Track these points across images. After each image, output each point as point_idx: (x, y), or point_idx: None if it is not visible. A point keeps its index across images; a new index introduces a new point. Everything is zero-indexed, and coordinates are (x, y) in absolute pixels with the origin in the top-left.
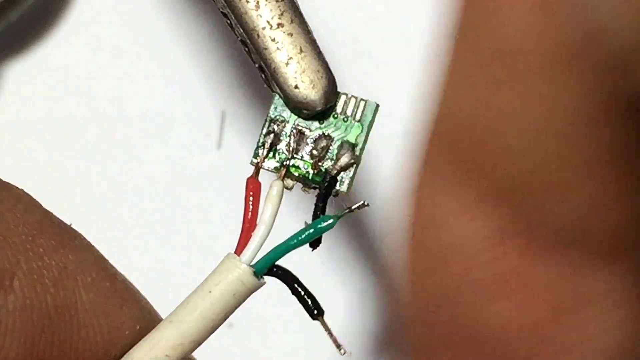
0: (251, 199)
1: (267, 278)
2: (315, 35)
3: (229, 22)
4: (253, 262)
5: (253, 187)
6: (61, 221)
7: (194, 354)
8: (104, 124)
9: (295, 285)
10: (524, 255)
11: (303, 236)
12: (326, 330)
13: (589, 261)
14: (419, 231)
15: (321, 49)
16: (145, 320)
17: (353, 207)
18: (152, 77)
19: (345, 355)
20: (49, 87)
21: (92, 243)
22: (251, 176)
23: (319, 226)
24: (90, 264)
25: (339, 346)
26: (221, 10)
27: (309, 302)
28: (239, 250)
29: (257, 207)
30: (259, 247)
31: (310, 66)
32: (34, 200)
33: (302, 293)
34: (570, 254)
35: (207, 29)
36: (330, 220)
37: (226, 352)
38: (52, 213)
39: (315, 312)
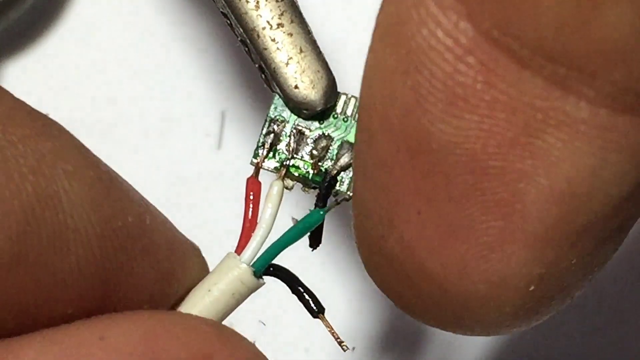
0: (251, 198)
1: (268, 279)
2: (316, 35)
3: (229, 22)
4: (252, 262)
5: (253, 187)
6: (35, 110)
7: None
8: (104, 123)
9: (295, 284)
10: (489, 70)
11: (294, 232)
12: (327, 328)
13: (560, 84)
14: (383, 31)
15: (321, 49)
16: (138, 213)
17: (339, 200)
18: (152, 77)
19: (347, 351)
20: (49, 87)
21: None
22: (251, 176)
23: (308, 220)
24: (70, 152)
25: (340, 342)
26: (221, 10)
27: (309, 300)
28: (239, 249)
29: (258, 207)
30: (259, 246)
31: (310, 66)
32: (2, 88)
33: (302, 291)
34: (540, 74)
35: (207, 29)
36: (320, 214)
37: None
38: (24, 102)
39: (316, 309)
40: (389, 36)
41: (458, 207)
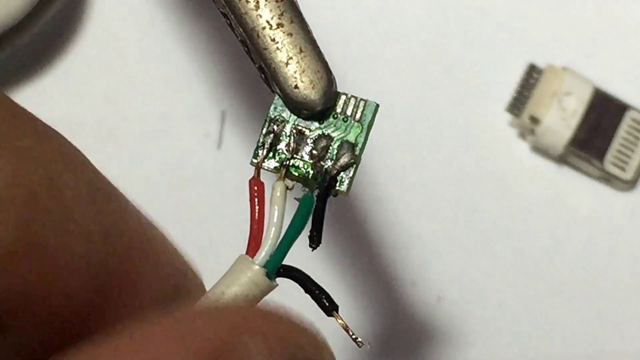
0: (256, 200)
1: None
2: (315, 35)
3: (228, 22)
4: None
5: (257, 187)
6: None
7: None
8: (103, 123)
9: (308, 283)
10: None
11: (296, 226)
12: (342, 325)
13: None
14: None
15: (321, 49)
16: (137, 219)
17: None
18: (152, 77)
19: (361, 347)
20: (48, 88)
21: None
22: (253, 177)
23: (303, 208)
24: (72, 152)
25: (355, 339)
26: (221, 10)
27: (323, 298)
28: (249, 251)
29: (263, 207)
30: (272, 249)
31: (310, 66)
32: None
33: (315, 290)
34: None
35: (207, 29)
36: (310, 195)
37: None
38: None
39: (330, 307)
40: None
41: None
